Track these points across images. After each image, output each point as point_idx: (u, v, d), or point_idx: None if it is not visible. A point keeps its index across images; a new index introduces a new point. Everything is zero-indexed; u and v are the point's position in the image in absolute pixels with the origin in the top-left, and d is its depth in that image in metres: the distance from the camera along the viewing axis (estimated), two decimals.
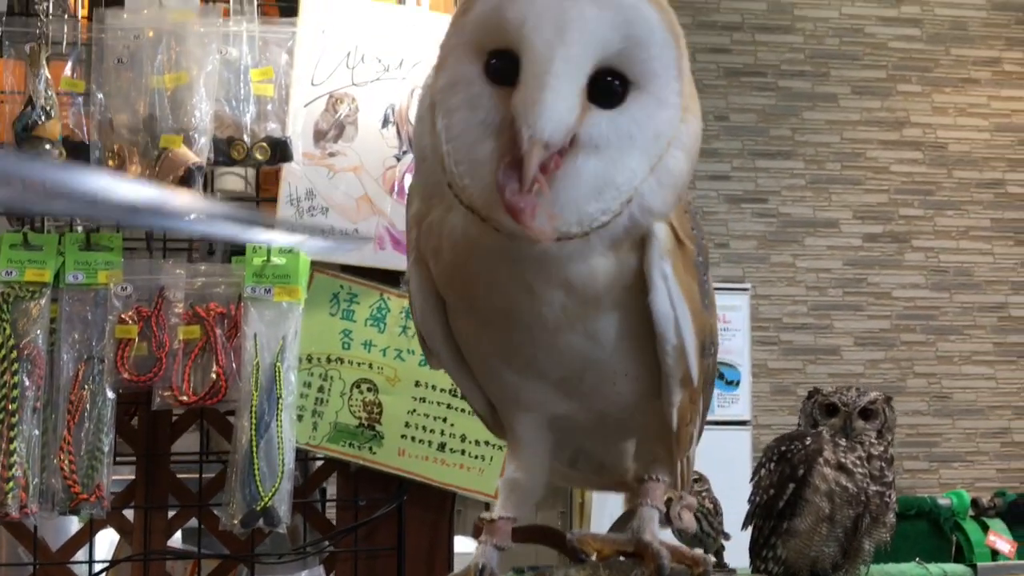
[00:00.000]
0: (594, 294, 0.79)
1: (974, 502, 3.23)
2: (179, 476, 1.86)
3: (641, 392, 0.88)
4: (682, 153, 0.78)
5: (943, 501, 3.20)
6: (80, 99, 1.74)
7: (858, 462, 1.89)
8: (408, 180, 1.85)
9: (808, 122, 5.14)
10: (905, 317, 5.08)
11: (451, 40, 0.81)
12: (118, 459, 1.78)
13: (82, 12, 1.82)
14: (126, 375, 1.69)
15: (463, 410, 1.82)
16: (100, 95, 1.73)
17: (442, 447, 1.81)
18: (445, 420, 1.82)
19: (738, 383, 4.30)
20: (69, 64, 1.76)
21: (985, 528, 3.04)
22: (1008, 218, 5.21)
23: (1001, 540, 2.99)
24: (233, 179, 2.16)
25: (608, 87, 0.75)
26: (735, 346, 4.29)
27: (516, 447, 0.95)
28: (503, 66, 0.75)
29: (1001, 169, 5.24)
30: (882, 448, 1.91)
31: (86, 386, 1.69)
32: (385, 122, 1.85)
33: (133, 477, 1.84)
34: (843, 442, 1.92)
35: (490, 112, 0.76)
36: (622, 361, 0.85)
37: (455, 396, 1.82)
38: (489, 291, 0.81)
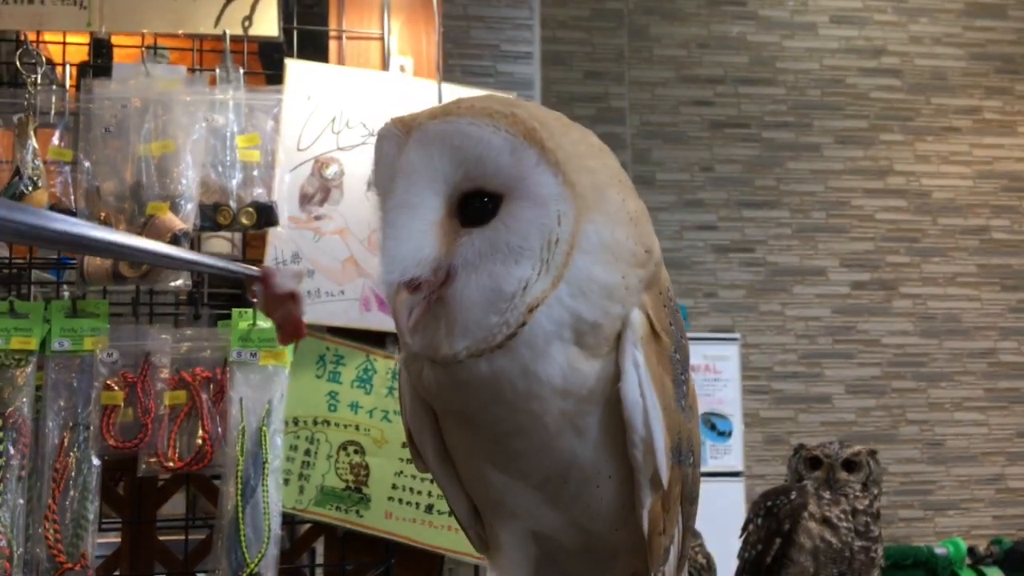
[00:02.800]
0: (587, 393, 0.78)
1: (971, 550, 3.22)
2: (165, 539, 1.84)
3: (623, 501, 0.84)
4: (590, 258, 0.75)
5: (940, 550, 3.19)
6: (67, 167, 1.76)
7: (843, 516, 1.90)
8: None
9: (792, 172, 5.19)
10: (895, 364, 5.08)
11: None
12: (103, 524, 1.77)
13: (70, 82, 1.85)
14: (112, 442, 1.69)
15: None
16: (87, 163, 1.76)
17: (429, 509, 1.81)
18: (433, 482, 1.81)
19: (730, 434, 4.28)
20: (57, 133, 1.79)
21: None
22: (994, 264, 5.24)
23: None
24: (219, 242, 2.17)
25: (476, 207, 0.75)
26: (727, 396, 4.28)
27: (498, 559, 0.91)
28: None
29: (985, 216, 5.29)
30: (867, 502, 1.91)
31: (71, 453, 1.68)
32: (370, 185, 1.87)
33: (119, 541, 1.82)
34: (827, 495, 1.93)
35: None
36: (606, 460, 0.82)
37: None
38: (464, 411, 0.81)
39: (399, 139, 0.77)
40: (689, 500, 0.91)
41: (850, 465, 1.99)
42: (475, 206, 0.75)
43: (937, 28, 5.44)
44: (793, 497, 1.95)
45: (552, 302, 0.74)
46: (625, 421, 0.79)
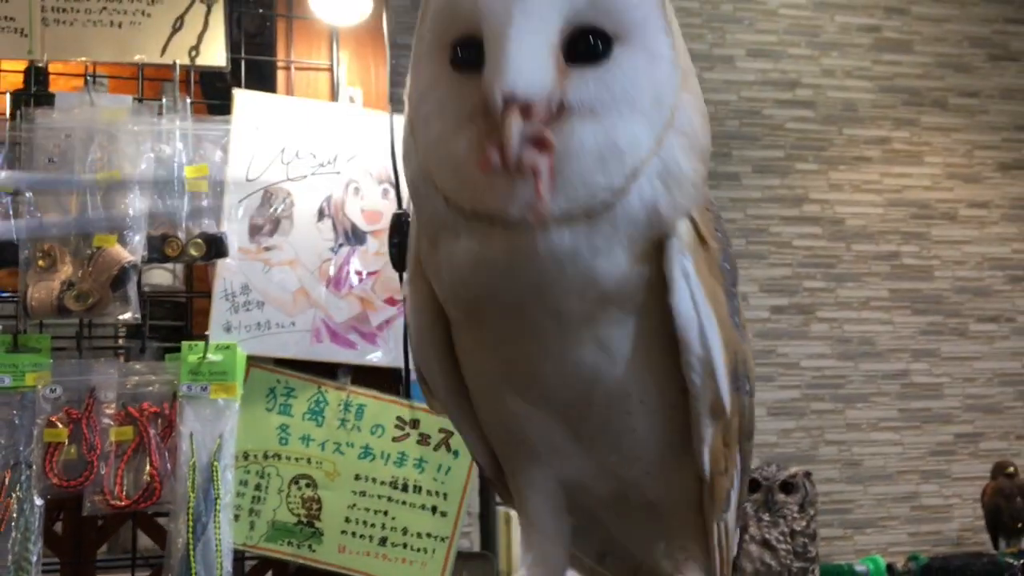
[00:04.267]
0: (612, 294, 0.68)
1: (889, 567, 3.34)
2: None
3: (659, 435, 0.75)
4: (680, 140, 0.68)
5: (860, 568, 3.29)
6: (8, 199, 1.71)
7: (781, 537, 1.96)
8: (346, 271, 1.86)
9: (713, 200, 5.32)
10: (814, 386, 5.23)
11: (415, 53, 0.73)
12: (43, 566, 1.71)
13: (8, 110, 1.80)
14: (55, 480, 1.64)
15: (404, 503, 1.81)
16: (29, 194, 1.71)
17: (383, 541, 1.80)
18: (386, 513, 1.80)
19: None
20: None
21: None
22: (904, 288, 5.45)
23: None
24: (161, 273, 2.14)
25: (588, 45, 0.66)
26: None
27: (530, 531, 0.81)
28: (468, 53, 0.67)
29: (896, 242, 5.49)
30: (804, 523, 1.98)
31: (13, 493, 1.63)
32: (320, 215, 1.87)
33: None
34: (766, 517, 1.98)
35: (461, 102, 0.67)
36: (637, 382, 0.72)
37: (395, 488, 1.81)
38: (496, 297, 0.69)
39: None
40: (747, 436, 0.81)
41: (787, 487, 2.06)
42: (585, 44, 0.66)
43: (848, 62, 5.65)
44: None
45: (644, 181, 0.66)
46: (679, 339, 0.69)
